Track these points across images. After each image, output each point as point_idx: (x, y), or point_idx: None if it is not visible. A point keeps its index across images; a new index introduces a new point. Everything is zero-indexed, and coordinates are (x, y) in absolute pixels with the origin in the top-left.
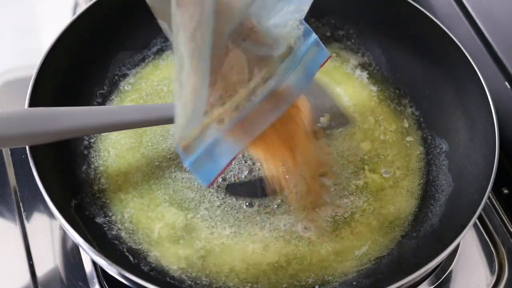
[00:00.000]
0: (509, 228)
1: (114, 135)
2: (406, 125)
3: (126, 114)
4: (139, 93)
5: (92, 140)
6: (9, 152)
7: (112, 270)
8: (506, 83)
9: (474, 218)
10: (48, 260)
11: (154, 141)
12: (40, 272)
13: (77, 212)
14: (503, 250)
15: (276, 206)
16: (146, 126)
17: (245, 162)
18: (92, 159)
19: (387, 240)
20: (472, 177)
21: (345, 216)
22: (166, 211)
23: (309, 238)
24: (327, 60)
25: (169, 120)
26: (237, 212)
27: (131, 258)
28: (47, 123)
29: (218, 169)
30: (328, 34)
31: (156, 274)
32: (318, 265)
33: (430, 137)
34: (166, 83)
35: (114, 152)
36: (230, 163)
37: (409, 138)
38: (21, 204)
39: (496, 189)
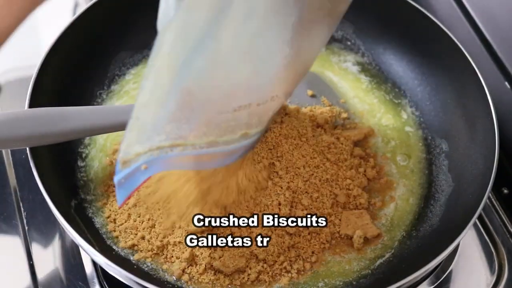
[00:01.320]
0: (509, 228)
1: (114, 134)
2: (405, 116)
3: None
4: None
5: (92, 139)
6: (10, 152)
7: (112, 270)
8: (506, 83)
9: (474, 218)
10: (48, 260)
11: None
12: (40, 272)
13: (77, 212)
14: (503, 250)
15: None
16: None
17: None
18: (93, 158)
19: (387, 240)
20: (472, 177)
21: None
22: None
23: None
24: None
25: None
26: None
27: (131, 258)
28: (50, 124)
29: (132, 189)
30: None
31: (156, 274)
32: (318, 265)
33: (430, 137)
34: None
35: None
36: (140, 186)
37: (408, 128)
38: (21, 204)
39: (496, 189)
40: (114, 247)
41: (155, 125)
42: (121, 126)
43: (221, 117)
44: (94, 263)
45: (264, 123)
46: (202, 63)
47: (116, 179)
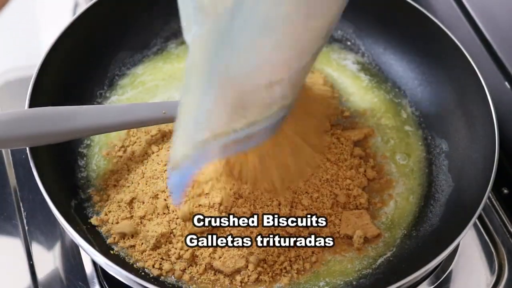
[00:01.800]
0: (509, 228)
1: (114, 133)
2: (405, 116)
3: (133, 112)
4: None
5: (92, 139)
6: (9, 152)
7: (112, 270)
8: (506, 83)
9: (474, 218)
10: (48, 260)
11: None
12: (40, 272)
13: (77, 212)
14: (503, 250)
15: None
16: (153, 125)
17: None
18: (92, 159)
19: (387, 239)
20: (472, 177)
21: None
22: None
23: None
24: None
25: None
26: None
27: (131, 258)
28: (51, 124)
29: (184, 186)
30: None
31: (156, 274)
32: (318, 264)
33: (430, 137)
34: (166, 83)
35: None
36: (190, 182)
37: (407, 128)
38: (21, 204)
39: (496, 189)
40: (114, 247)
41: (196, 126)
42: (121, 126)
43: (255, 96)
44: (94, 263)
45: (298, 90)
46: (228, 52)
47: (169, 184)
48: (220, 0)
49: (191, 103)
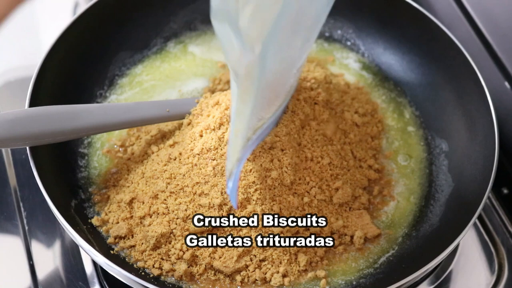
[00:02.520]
0: (509, 228)
1: (114, 133)
2: (407, 116)
3: (136, 110)
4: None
5: (93, 137)
6: (9, 152)
7: (112, 270)
8: (506, 83)
9: (474, 218)
10: (48, 260)
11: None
12: (40, 272)
13: (77, 212)
14: (503, 250)
15: None
16: (157, 123)
17: None
18: (92, 159)
19: (387, 239)
20: (472, 177)
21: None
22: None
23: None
24: None
25: (181, 116)
26: None
27: (131, 258)
28: (51, 122)
29: (237, 185)
30: (327, 34)
31: (156, 274)
32: (318, 265)
33: (430, 137)
34: (163, 83)
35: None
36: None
37: (410, 128)
38: (21, 204)
39: (496, 189)
40: (114, 247)
41: (247, 130)
42: (124, 124)
43: (286, 84)
44: (94, 263)
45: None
46: (272, 60)
47: (228, 191)
48: (261, 24)
49: (244, 113)
